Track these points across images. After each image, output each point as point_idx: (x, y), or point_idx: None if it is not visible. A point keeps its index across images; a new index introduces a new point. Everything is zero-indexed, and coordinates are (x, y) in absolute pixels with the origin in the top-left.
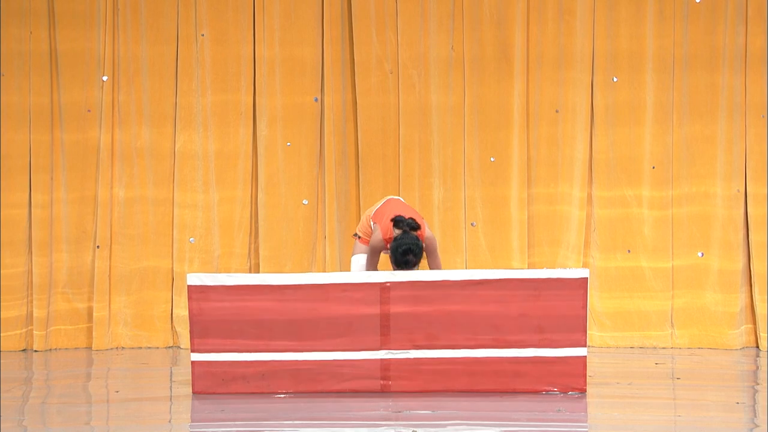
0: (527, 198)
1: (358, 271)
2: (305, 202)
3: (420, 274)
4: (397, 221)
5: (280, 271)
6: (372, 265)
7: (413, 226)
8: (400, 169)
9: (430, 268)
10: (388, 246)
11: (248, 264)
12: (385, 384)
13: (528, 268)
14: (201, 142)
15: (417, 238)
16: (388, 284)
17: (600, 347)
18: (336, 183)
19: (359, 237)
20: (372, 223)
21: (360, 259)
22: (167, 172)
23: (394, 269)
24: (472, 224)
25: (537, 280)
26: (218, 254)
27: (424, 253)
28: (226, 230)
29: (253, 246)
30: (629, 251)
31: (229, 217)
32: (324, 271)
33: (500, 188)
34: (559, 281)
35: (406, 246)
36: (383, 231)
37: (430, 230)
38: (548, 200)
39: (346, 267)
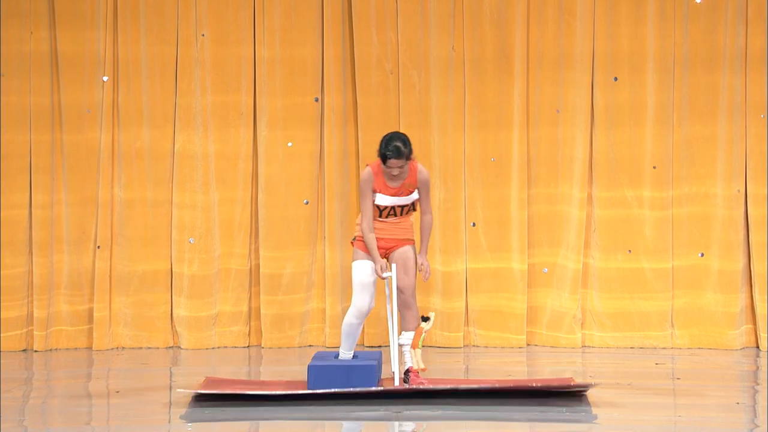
0: (527, 198)
1: (360, 285)
2: (306, 202)
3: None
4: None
5: (280, 271)
6: (366, 208)
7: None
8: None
9: (422, 208)
10: (383, 181)
11: (248, 264)
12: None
13: (528, 269)
14: (201, 142)
15: (404, 135)
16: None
17: (600, 347)
18: (337, 183)
19: (355, 239)
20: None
21: (362, 270)
22: (167, 172)
23: (382, 162)
24: (472, 224)
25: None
26: (218, 254)
27: (417, 192)
28: (226, 230)
29: (253, 246)
30: (630, 251)
31: (229, 218)
32: (324, 273)
33: (500, 188)
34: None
35: (393, 135)
36: (372, 166)
37: (423, 167)
38: (548, 200)
39: (346, 269)
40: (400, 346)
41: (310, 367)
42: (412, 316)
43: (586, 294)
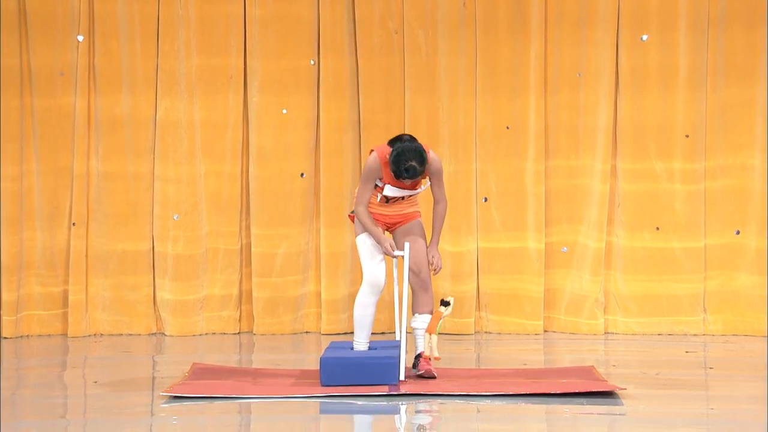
0: (545, 171)
1: (367, 256)
2: (302, 175)
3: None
4: (395, 138)
5: (273, 251)
6: (365, 192)
7: (411, 139)
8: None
9: (434, 196)
10: (388, 171)
11: (239, 243)
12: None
13: (545, 248)
14: (186, 109)
15: (419, 146)
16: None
17: (624, 334)
18: (335, 154)
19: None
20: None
21: (369, 240)
22: (148, 142)
23: (395, 178)
24: (484, 199)
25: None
26: (205, 232)
27: (428, 178)
28: (214, 206)
29: (244, 224)
30: (658, 229)
31: (217, 192)
32: (322, 253)
33: (515, 160)
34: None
35: (408, 152)
36: (380, 154)
37: (434, 153)
38: (568, 173)
39: (347, 249)
40: (413, 330)
41: (323, 361)
42: (429, 298)
43: (610, 276)
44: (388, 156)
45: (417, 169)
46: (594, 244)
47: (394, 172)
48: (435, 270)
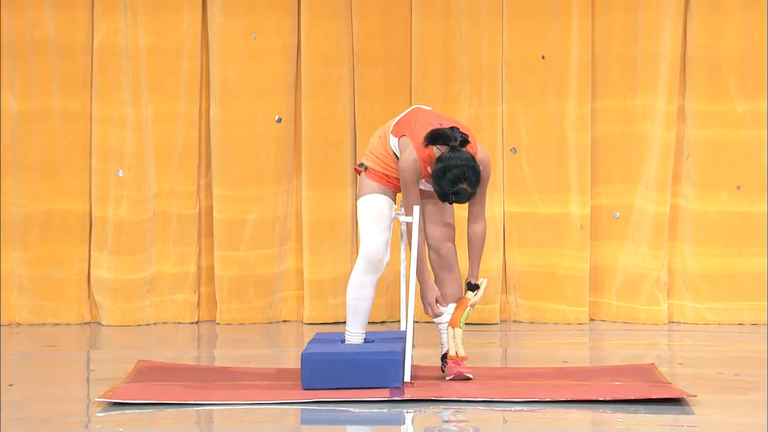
0: (590, 114)
1: (380, 230)
2: (278, 119)
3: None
4: (438, 134)
5: (242, 217)
6: (410, 201)
7: (463, 139)
8: (411, 73)
9: (471, 212)
10: (428, 170)
11: (196, 207)
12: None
13: (591, 214)
14: (129, 32)
15: (471, 157)
16: None
17: (695, 324)
18: (321, 93)
19: (366, 168)
20: (392, 139)
21: (376, 204)
22: (81, 74)
23: (439, 198)
24: (512, 150)
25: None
26: (154, 192)
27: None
28: (166, 159)
29: (203, 182)
30: (739, 188)
31: (170, 140)
32: (304, 220)
33: (553, 100)
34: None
35: (459, 169)
36: (417, 147)
37: (482, 148)
38: (621, 117)
39: (334, 213)
40: (437, 324)
41: (304, 358)
42: (455, 280)
43: (675, 249)
44: (427, 150)
45: (469, 193)
46: (655, 208)
47: (438, 193)
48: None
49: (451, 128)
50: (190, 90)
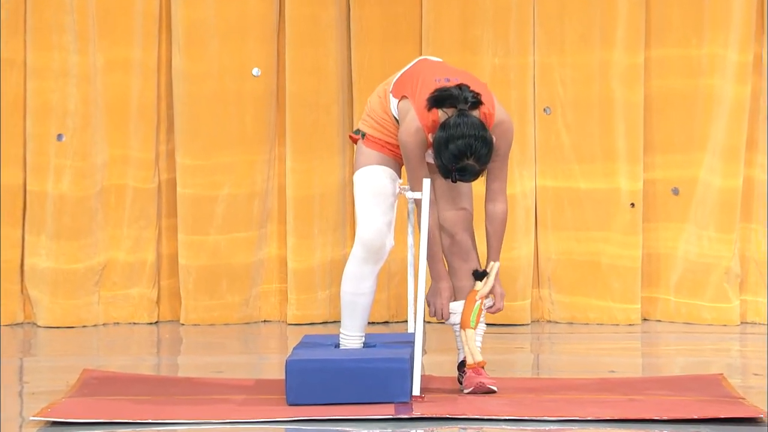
0: (644, 65)
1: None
2: (256, 72)
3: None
4: (443, 95)
5: (212, 193)
6: (419, 180)
7: (474, 100)
8: (422, 15)
9: (490, 189)
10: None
11: (155, 180)
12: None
13: (643, 189)
14: None
15: (481, 125)
16: None
17: None
18: (309, 40)
19: (364, 135)
20: (392, 100)
21: (376, 177)
22: (12, 14)
23: (441, 175)
24: (546, 110)
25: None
26: (103, 162)
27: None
28: (118, 120)
29: (163, 149)
30: None
31: (123, 97)
32: (288, 197)
33: (597, 48)
34: None
35: (465, 140)
36: (419, 113)
37: (502, 107)
38: (682, 69)
39: (326, 188)
40: (452, 324)
41: (290, 366)
42: (471, 271)
43: (750, 232)
44: (431, 114)
45: (477, 170)
46: (723, 182)
47: (440, 169)
48: (494, 309)
49: (459, 86)
50: (148, 34)
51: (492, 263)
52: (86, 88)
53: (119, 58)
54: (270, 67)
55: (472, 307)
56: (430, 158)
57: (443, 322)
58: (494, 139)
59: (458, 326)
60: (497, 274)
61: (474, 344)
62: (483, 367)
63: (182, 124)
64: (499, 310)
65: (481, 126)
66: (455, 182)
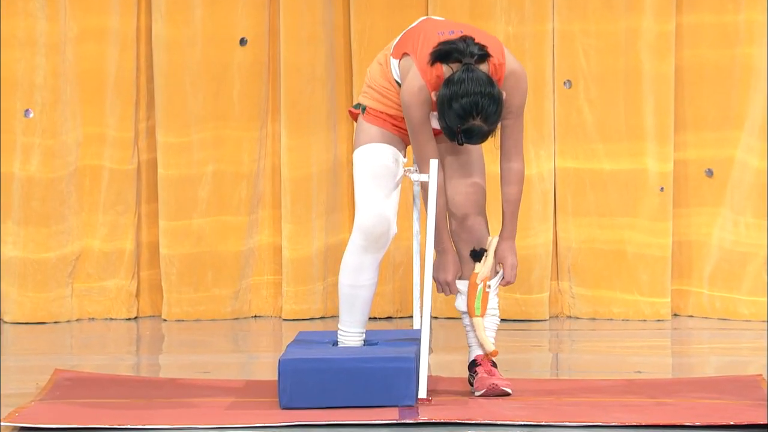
0: (674, 32)
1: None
2: (243, 41)
3: None
4: (447, 48)
5: (196, 171)
6: (426, 147)
7: (480, 52)
8: None
9: (503, 147)
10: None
11: (134, 160)
12: None
13: (673, 170)
14: None
15: (488, 80)
16: None
17: None
18: (302, 3)
19: (364, 109)
20: (393, 62)
21: (377, 156)
22: None
23: (447, 137)
24: (566, 84)
25: None
26: (76, 141)
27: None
28: (92, 94)
29: (143, 126)
30: None
31: (98, 69)
32: (283, 178)
33: (623, 14)
34: None
35: (470, 98)
36: (421, 69)
37: (514, 57)
38: (717, 37)
39: (323, 167)
40: (463, 318)
41: (283, 366)
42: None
43: None
44: (434, 70)
45: (484, 131)
46: (762, 163)
47: (444, 130)
48: (506, 281)
49: (464, 38)
50: (126, 1)
51: (491, 238)
52: (56, 58)
53: (93, 26)
54: (260, 34)
55: (475, 293)
56: (436, 123)
57: (459, 318)
58: (504, 95)
59: (467, 314)
60: (513, 249)
61: (483, 333)
62: (495, 358)
63: (164, 99)
64: (509, 283)
65: (489, 81)
66: (461, 145)
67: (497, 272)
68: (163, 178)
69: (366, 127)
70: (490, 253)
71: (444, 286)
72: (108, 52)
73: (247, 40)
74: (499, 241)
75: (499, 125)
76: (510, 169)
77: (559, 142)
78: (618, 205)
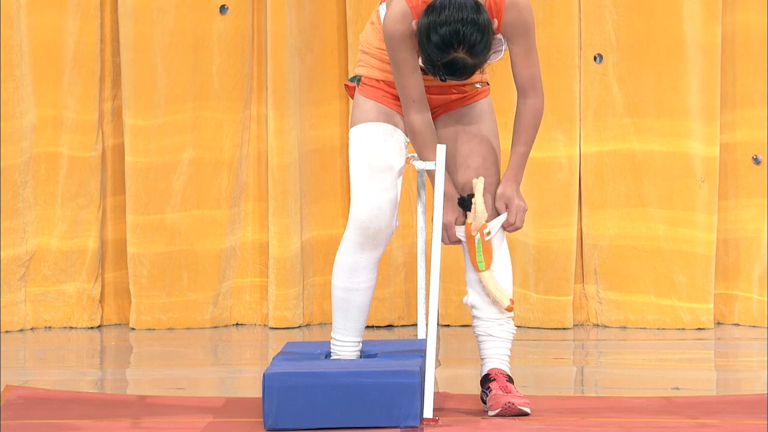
0: (722, 8)
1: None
2: (224, 8)
3: None
4: None
5: (169, 159)
6: (409, 83)
7: None
8: None
9: (518, 80)
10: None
11: (97, 147)
12: None
13: (719, 158)
14: None
15: (474, 5)
16: None
17: None
18: None
19: (359, 81)
20: (382, 12)
21: (374, 138)
22: None
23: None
24: (596, 59)
25: None
26: (31, 124)
27: (501, 39)
28: (49, 71)
29: (108, 107)
30: None
31: (56, 43)
32: (270, 165)
33: None
34: None
35: (451, 26)
36: (410, 1)
37: None
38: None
39: (317, 146)
40: (474, 327)
41: (268, 381)
42: (499, 256)
43: None
44: (424, 2)
45: (469, 65)
46: None
47: (425, 64)
48: (512, 226)
49: None
50: None
51: (475, 180)
52: (7, 31)
53: None
54: (243, 1)
55: (473, 245)
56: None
57: (470, 325)
58: (495, 24)
59: (485, 335)
60: (518, 191)
61: (495, 286)
62: (512, 374)
63: (131, 76)
64: (517, 228)
65: (474, 7)
66: (444, 81)
67: (498, 215)
68: (131, 166)
69: (362, 102)
70: (478, 198)
71: (442, 232)
72: (67, 23)
73: (227, 8)
74: (501, 184)
75: (507, 48)
76: (524, 104)
77: (585, 124)
78: (653, 196)
